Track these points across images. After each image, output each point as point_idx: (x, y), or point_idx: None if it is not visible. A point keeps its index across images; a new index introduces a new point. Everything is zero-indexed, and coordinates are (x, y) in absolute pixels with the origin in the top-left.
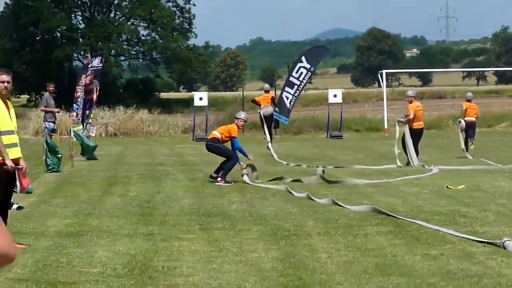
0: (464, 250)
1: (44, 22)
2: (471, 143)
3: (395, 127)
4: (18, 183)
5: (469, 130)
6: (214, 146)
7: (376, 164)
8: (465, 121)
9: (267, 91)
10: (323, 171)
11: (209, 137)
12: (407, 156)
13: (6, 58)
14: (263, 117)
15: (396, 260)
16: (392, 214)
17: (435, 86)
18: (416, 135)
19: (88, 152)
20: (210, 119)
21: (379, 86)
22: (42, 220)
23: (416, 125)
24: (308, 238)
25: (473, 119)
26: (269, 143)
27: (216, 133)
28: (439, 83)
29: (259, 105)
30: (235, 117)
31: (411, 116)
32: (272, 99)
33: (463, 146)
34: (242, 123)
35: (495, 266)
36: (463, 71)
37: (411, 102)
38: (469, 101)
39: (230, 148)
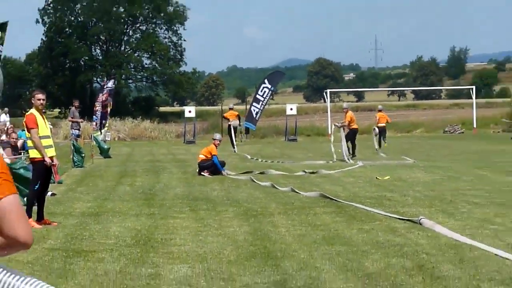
0: (389, 225)
1: (71, 54)
2: (384, 143)
3: (334, 130)
4: (53, 176)
5: (382, 133)
6: (204, 166)
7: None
8: (378, 127)
9: (231, 109)
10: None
11: (198, 160)
12: (343, 153)
13: (43, 81)
14: (232, 128)
15: (338, 233)
16: (335, 199)
17: (367, 101)
18: (353, 133)
19: (104, 152)
20: (197, 127)
21: (325, 102)
22: (70, 203)
23: (354, 126)
24: (271, 217)
25: (384, 125)
26: (235, 150)
27: (202, 156)
28: (370, 99)
29: (228, 119)
30: (213, 138)
31: (346, 123)
32: (238, 115)
33: (376, 146)
34: (218, 142)
35: (413, 238)
36: (388, 90)
37: (347, 112)
38: (380, 111)
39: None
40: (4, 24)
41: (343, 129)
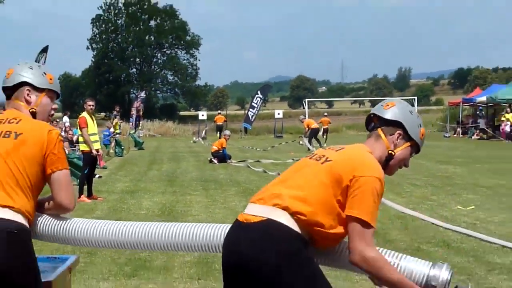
0: None
1: (114, 72)
2: (325, 141)
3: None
4: (98, 163)
5: (324, 133)
6: (216, 155)
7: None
8: (323, 128)
9: (219, 113)
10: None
11: (212, 150)
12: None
13: (93, 92)
14: (218, 127)
15: None
16: None
17: (335, 108)
18: (314, 132)
19: (138, 145)
20: (207, 127)
21: (303, 108)
22: (112, 184)
23: (313, 126)
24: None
25: (327, 127)
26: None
27: (214, 147)
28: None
29: (215, 121)
30: (223, 134)
31: (306, 130)
32: (225, 120)
33: (310, 147)
34: (228, 137)
35: None
36: (351, 100)
37: (303, 121)
38: (325, 116)
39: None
40: (46, 47)
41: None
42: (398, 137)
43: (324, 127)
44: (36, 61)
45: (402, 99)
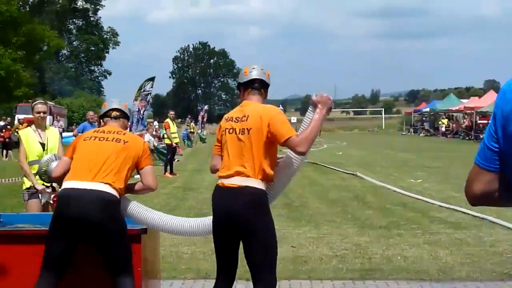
0: (340, 176)
1: (187, 93)
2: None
3: None
4: (178, 151)
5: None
6: None
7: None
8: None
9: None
10: None
11: None
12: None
13: (174, 106)
14: None
15: (313, 179)
16: (310, 161)
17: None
18: None
19: (202, 140)
20: None
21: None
22: (185, 165)
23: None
24: None
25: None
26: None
27: None
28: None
29: None
30: None
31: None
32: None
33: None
34: None
35: (352, 182)
36: (341, 111)
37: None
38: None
39: None
40: (153, 77)
41: None
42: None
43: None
44: (142, 86)
45: (372, 110)
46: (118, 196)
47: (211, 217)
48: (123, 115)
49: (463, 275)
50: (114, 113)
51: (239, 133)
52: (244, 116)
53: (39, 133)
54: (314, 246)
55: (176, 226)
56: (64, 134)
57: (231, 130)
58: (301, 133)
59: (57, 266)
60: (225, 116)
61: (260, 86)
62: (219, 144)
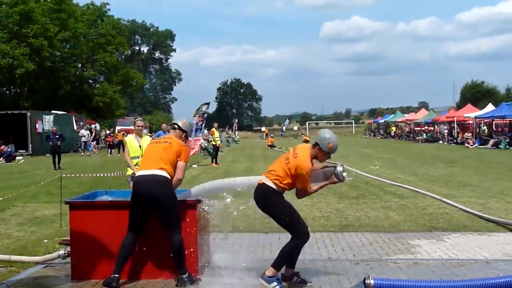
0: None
1: (225, 112)
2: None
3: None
4: (220, 150)
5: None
6: (270, 145)
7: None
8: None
9: (267, 128)
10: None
11: (267, 143)
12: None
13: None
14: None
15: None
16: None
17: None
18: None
19: (236, 142)
20: (263, 135)
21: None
22: (225, 158)
23: (305, 138)
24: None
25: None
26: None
27: (269, 142)
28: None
29: (265, 132)
30: (270, 136)
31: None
32: (268, 131)
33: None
34: (273, 137)
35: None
36: (326, 122)
37: (302, 135)
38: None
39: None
40: (209, 102)
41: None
42: (316, 148)
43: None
44: (199, 107)
45: (347, 121)
46: (169, 177)
47: (254, 177)
48: (179, 127)
49: (405, 228)
50: (173, 125)
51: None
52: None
53: (137, 140)
54: (309, 210)
55: (230, 181)
56: None
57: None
58: (310, 187)
59: (137, 225)
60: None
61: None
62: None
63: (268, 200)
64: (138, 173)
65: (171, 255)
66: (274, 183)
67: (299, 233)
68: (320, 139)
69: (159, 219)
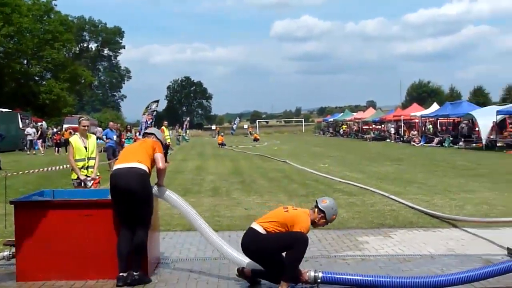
0: (277, 163)
1: (175, 110)
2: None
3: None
4: (170, 147)
5: (255, 140)
6: (220, 143)
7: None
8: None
9: (217, 127)
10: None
11: (219, 141)
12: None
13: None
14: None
15: (261, 165)
16: (263, 154)
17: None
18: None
19: (186, 140)
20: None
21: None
22: (175, 156)
23: (256, 136)
24: (240, 161)
25: (255, 136)
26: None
27: (219, 140)
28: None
29: (216, 129)
30: (221, 134)
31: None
32: (219, 129)
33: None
34: (223, 136)
35: (284, 167)
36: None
37: (252, 133)
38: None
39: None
40: (158, 100)
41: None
42: (320, 215)
43: (255, 136)
44: (149, 105)
45: (296, 120)
46: (147, 171)
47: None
48: (153, 135)
49: (354, 225)
50: (148, 133)
51: None
52: None
53: (83, 140)
54: (259, 208)
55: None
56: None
57: None
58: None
59: (127, 219)
60: None
61: None
62: None
63: (259, 241)
64: (116, 167)
65: (132, 249)
66: (266, 230)
67: (299, 241)
68: (328, 208)
69: (131, 212)
